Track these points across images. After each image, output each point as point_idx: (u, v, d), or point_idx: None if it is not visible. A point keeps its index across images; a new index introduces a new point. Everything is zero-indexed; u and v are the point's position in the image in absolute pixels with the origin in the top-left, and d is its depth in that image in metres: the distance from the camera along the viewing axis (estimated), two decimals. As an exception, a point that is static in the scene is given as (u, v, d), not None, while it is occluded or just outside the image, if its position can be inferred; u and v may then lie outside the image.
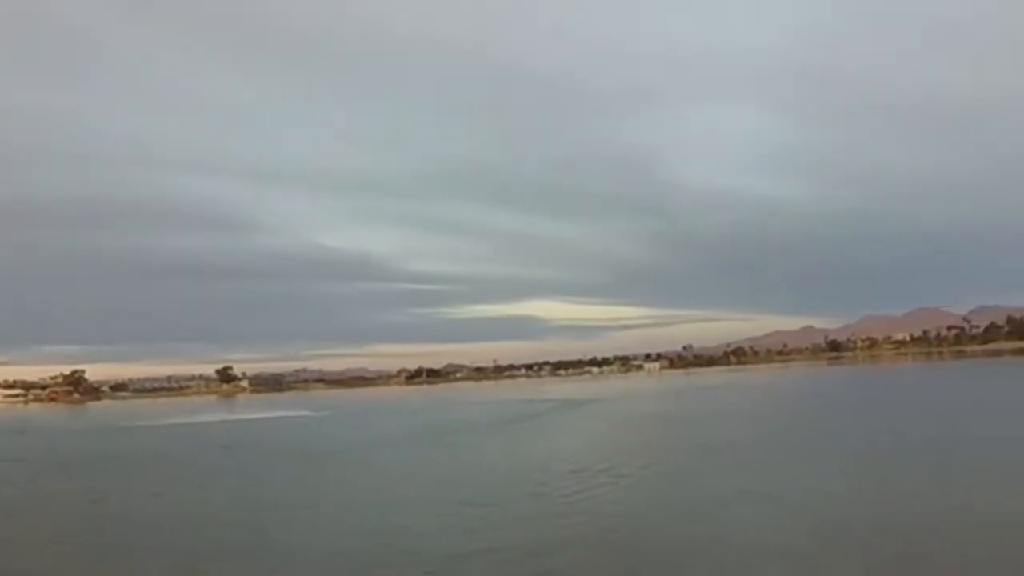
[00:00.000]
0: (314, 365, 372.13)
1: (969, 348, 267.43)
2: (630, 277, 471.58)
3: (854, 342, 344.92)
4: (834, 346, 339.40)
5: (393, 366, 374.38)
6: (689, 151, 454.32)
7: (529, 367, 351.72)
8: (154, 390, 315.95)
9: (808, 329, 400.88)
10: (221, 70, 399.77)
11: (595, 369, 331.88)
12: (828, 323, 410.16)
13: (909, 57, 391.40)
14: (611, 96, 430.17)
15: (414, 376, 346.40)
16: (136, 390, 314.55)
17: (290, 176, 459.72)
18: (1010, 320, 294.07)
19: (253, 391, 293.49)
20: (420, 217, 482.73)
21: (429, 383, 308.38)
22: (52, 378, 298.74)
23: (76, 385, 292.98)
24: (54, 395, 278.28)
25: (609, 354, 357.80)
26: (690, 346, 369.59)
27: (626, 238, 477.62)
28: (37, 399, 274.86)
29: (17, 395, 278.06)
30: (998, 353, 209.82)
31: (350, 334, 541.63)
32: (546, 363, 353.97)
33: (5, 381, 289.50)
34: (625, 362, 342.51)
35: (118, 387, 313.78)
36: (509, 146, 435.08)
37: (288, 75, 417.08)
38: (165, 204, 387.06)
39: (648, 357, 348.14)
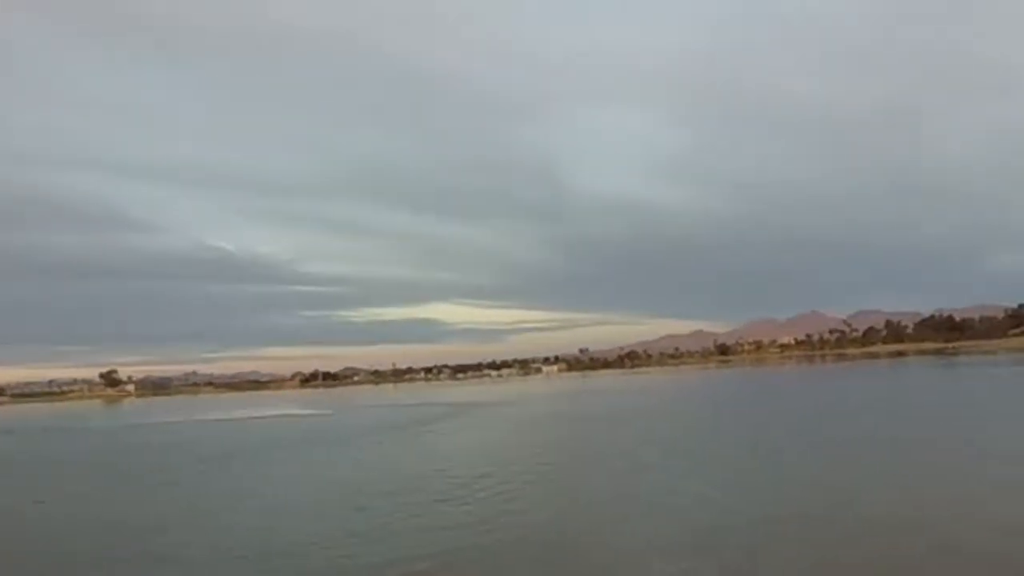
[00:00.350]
0: (204, 369, 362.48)
1: (849, 351, 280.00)
2: (529, 281, 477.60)
3: (742, 345, 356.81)
4: (723, 349, 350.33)
5: (287, 370, 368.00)
6: (587, 156, 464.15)
7: (428, 370, 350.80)
8: (34, 395, 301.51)
9: (699, 333, 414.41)
10: (116, 68, 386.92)
11: (494, 372, 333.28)
12: (718, 327, 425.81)
13: (803, 72, 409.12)
14: (510, 100, 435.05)
15: (309, 379, 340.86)
16: (15, 395, 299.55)
17: (182, 176, 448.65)
18: (888, 324, 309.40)
19: (139, 395, 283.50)
20: (316, 218, 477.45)
21: (325, 386, 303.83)
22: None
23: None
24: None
25: (508, 357, 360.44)
26: (586, 349, 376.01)
27: (526, 242, 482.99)
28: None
29: None
30: (876, 356, 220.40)
31: (242, 337, 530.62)
32: (445, 366, 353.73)
33: None
34: (524, 365, 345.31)
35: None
36: (408, 148, 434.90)
37: (186, 74, 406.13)
38: (48, 201, 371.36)
39: (546, 360, 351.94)
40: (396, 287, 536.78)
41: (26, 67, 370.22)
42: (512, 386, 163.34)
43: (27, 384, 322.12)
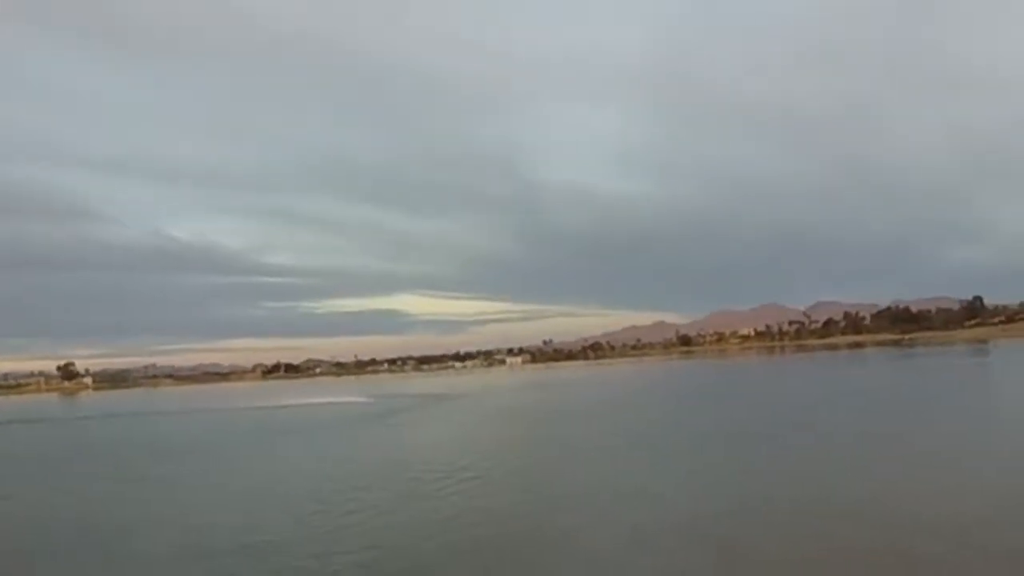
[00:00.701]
0: (164, 361, 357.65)
1: (809, 342, 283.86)
2: (493, 272, 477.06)
3: (703, 336, 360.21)
4: (685, 340, 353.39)
5: (248, 361, 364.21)
6: (551, 149, 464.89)
7: (392, 362, 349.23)
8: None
9: (661, 324, 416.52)
10: (72, 58, 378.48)
11: (458, 364, 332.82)
12: (679, 318, 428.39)
13: (765, 68, 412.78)
14: (475, 95, 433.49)
15: (271, 371, 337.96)
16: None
17: (138, 166, 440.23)
18: (846, 316, 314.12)
19: (96, 388, 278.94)
20: (276, 210, 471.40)
21: (287, 378, 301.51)
22: None
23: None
24: None
25: (472, 348, 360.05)
26: (550, 341, 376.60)
27: (490, 233, 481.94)
28: None
29: None
30: (835, 347, 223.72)
31: (201, 329, 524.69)
32: (410, 358, 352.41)
33: None
34: (488, 357, 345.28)
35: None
36: (372, 140, 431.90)
37: (145, 66, 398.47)
38: (2, 191, 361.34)
39: (511, 352, 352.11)
40: (360, 279, 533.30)
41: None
42: (478, 378, 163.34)
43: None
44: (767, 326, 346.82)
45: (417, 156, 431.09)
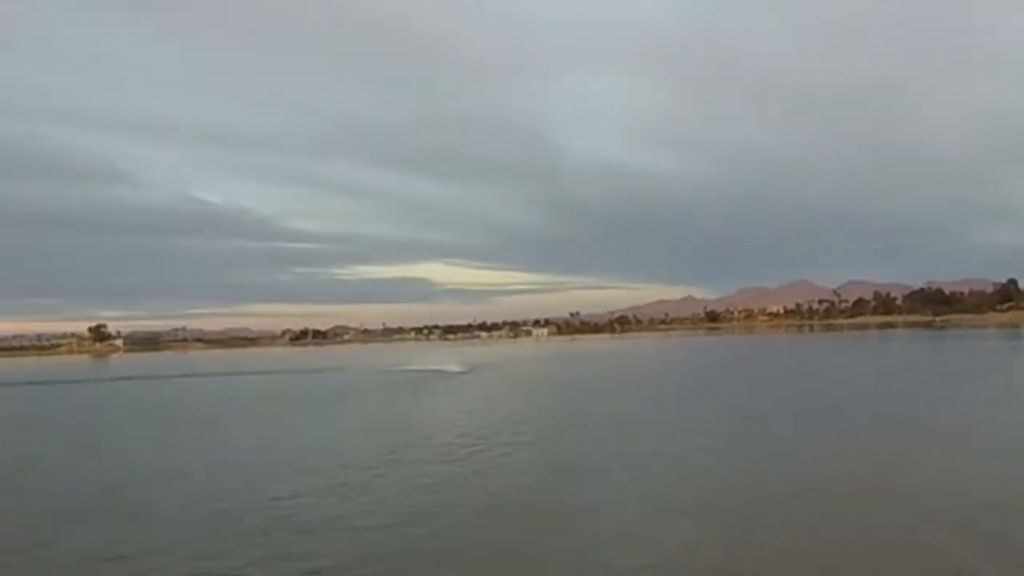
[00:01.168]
0: (192, 325, 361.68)
1: (838, 321, 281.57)
2: (519, 243, 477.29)
3: (731, 313, 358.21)
4: (712, 316, 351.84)
5: (276, 326, 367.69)
6: (577, 120, 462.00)
7: (419, 330, 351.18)
8: (22, 348, 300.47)
9: (689, 299, 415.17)
10: (95, 19, 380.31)
11: (484, 334, 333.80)
12: (708, 294, 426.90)
13: (791, 43, 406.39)
14: (501, 65, 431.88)
15: (299, 337, 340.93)
16: (3, 348, 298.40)
17: (167, 131, 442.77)
18: (877, 296, 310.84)
19: (128, 350, 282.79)
20: (305, 175, 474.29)
21: (315, 344, 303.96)
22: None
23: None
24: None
25: (498, 319, 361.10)
26: (577, 313, 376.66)
27: (515, 204, 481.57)
28: None
29: None
30: (864, 327, 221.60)
31: (229, 293, 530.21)
32: (436, 327, 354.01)
33: None
34: (514, 327, 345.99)
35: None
36: (398, 108, 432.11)
37: (167, 27, 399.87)
38: (36, 154, 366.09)
39: (537, 323, 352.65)
40: (387, 246, 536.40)
41: (9, 23, 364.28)
42: (505, 348, 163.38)
43: (15, 337, 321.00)
44: (796, 304, 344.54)
45: (444, 125, 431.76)
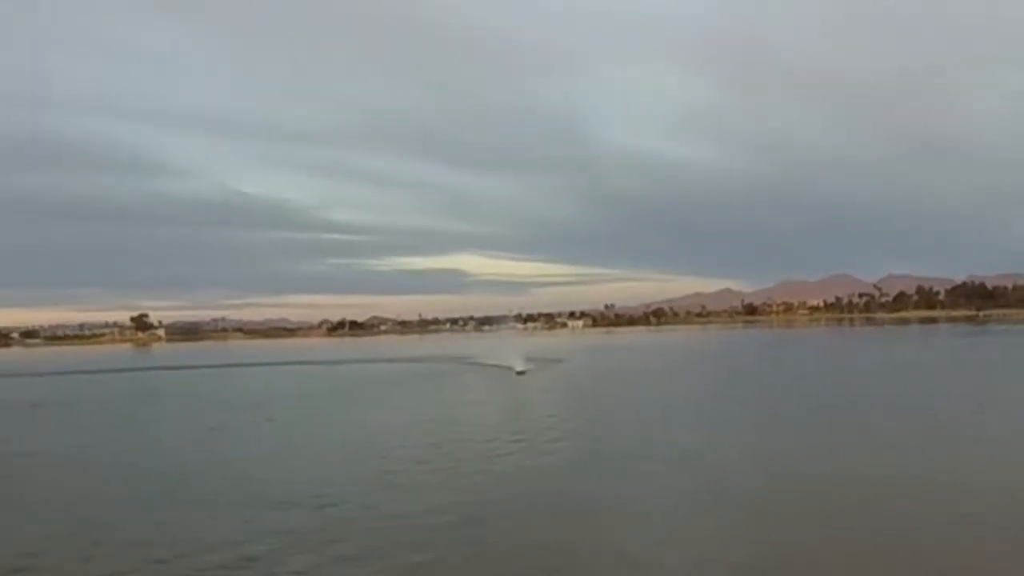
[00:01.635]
0: (231, 315, 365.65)
1: (879, 316, 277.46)
2: (554, 234, 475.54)
3: (770, 306, 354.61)
4: (750, 310, 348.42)
5: (314, 317, 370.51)
6: (611, 111, 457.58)
7: (454, 321, 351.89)
8: (67, 337, 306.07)
9: (726, 292, 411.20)
10: (135, 13, 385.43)
11: (519, 326, 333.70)
12: (746, 286, 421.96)
13: (829, 34, 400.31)
14: (535, 54, 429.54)
15: (336, 328, 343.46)
16: (48, 337, 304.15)
17: (205, 122, 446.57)
18: (919, 290, 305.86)
19: (169, 340, 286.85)
20: (341, 166, 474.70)
21: (352, 335, 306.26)
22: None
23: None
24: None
25: (533, 310, 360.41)
26: (612, 305, 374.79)
27: (551, 195, 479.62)
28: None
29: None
30: (905, 321, 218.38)
31: (268, 283, 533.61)
32: (471, 318, 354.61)
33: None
34: (549, 319, 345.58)
35: (28, 334, 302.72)
36: (433, 98, 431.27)
37: (206, 21, 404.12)
38: (78, 146, 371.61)
39: (572, 315, 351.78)
40: (423, 237, 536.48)
41: (56, 16, 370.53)
42: (544, 340, 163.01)
43: (58, 326, 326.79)
44: (836, 298, 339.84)
45: (480, 116, 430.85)
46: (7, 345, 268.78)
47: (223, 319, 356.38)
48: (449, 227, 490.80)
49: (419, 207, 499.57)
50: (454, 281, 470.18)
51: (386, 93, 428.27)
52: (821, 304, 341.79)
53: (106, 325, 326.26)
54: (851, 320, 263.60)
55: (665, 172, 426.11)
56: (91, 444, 29.50)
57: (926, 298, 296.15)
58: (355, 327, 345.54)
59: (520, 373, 55.76)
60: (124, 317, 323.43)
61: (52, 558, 14.32)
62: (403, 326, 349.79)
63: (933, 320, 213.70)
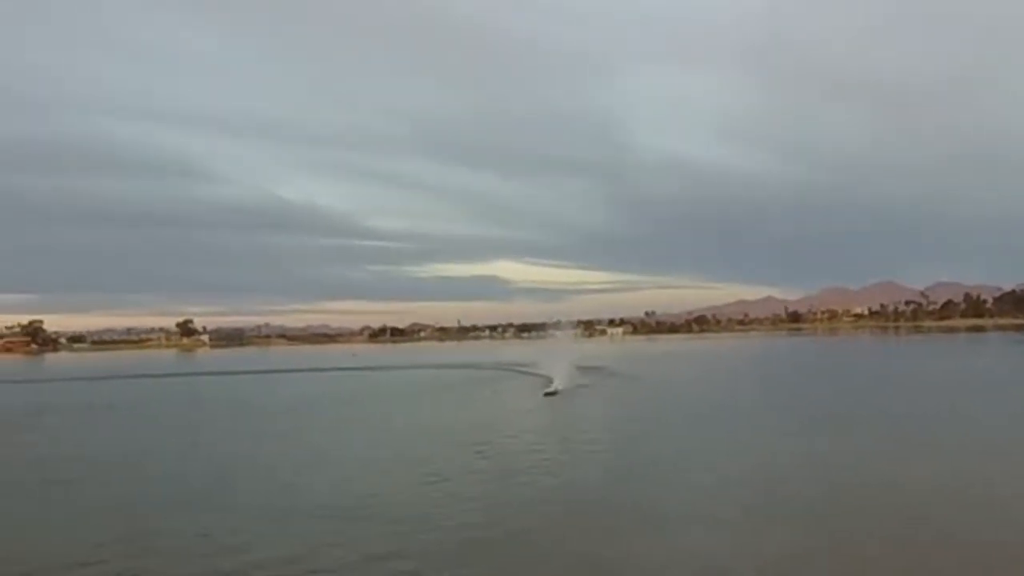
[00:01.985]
0: (274, 321, 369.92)
1: (926, 324, 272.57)
2: (594, 241, 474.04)
3: (814, 313, 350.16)
4: (794, 317, 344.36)
5: (354, 323, 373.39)
6: (650, 116, 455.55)
7: (493, 328, 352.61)
8: (113, 342, 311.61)
9: (769, 299, 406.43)
10: (175, 18, 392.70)
11: (559, 332, 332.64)
12: (788, 294, 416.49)
13: (872, 35, 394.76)
14: (572, 59, 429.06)
15: (377, 334, 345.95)
16: (95, 342, 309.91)
17: (247, 128, 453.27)
18: (967, 297, 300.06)
19: (213, 345, 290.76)
20: (379, 174, 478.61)
21: (393, 342, 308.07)
22: (8, 328, 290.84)
23: (33, 336, 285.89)
24: (10, 345, 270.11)
25: (571, 318, 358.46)
26: (653, 312, 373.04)
27: (590, 201, 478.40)
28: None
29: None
30: (953, 330, 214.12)
31: (310, 290, 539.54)
32: (510, 325, 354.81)
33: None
34: (588, 326, 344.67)
35: (76, 339, 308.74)
36: (471, 104, 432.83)
37: (245, 26, 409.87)
38: (119, 151, 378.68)
39: (612, 322, 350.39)
40: (461, 244, 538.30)
41: (96, 21, 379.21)
42: (585, 347, 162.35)
43: (106, 331, 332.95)
44: (882, 305, 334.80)
45: (518, 122, 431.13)
46: (55, 350, 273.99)
47: (266, 325, 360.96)
48: (488, 233, 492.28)
49: (458, 213, 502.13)
50: (493, 288, 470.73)
51: (425, 99, 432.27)
52: (866, 312, 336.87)
53: (152, 330, 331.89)
54: (897, 328, 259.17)
55: (705, 177, 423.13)
56: (141, 449, 29.81)
57: (974, 306, 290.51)
58: (396, 333, 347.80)
59: (550, 394, 45.15)
60: (170, 322, 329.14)
61: (105, 562, 14.39)
62: (442, 332, 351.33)
63: (981, 329, 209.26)
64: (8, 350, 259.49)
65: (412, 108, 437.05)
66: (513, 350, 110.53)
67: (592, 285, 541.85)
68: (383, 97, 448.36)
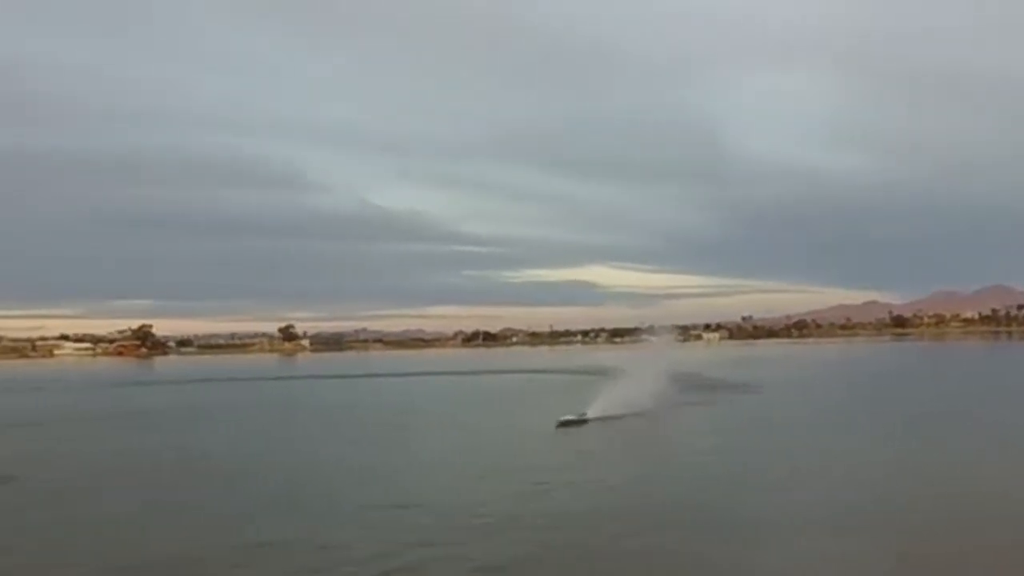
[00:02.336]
0: (371, 326, 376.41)
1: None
2: (689, 245, 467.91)
3: (920, 318, 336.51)
4: (899, 322, 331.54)
5: (448, 328, 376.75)
6: (747, 119, 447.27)
7: (585, 333, 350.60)
8: (219, 346, 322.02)
9: (873, 304, 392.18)
10: (270, 31, 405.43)
11: (653, 338, 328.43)
12: (892, 298, 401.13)
13: (986, 32, 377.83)
14: (662, 62, 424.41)
15: (470, 339, 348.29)
16: (201, 346, 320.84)
17: (341, 137, 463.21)
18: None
19: (314, 350, 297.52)
20: (473, 180, 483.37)
21: (485, 346, 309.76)
22: (120, 332, 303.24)
23: (143, 340, 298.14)
24: (122, 349, 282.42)
25: (666, 323, 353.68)
26: (749, 317, 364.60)
27: (685, 205, 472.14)
28: (105, 353, 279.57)
29: (86, 349, 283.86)
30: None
31: (406, 295, 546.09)
32: (602, 330, 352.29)
33: (75, 335, 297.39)
34: (684, 331, 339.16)
35: (183, 343, 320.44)
36: (563, 110, 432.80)
37: (338, 38, 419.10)
38: (225, 164, 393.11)
39: (707, 327, 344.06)
40: (554, 249, 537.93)
41: (210, 42, 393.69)
42: (678, 354, 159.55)
43: (212, 336, 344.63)
44: (993, 310, 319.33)
45: (612, 127, 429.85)
46: (164, 353, 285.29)
47: (363, 330, 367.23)
48: (581, 239, 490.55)
49: (551, 219, 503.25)
50: (585, 293, 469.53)
51: (519, 106, 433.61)
52: (976, 316, 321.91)
53: (255, 335, 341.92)
54: (1009, 333, 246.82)
55: (804, 180, 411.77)
56: (251, 452, 30.77)
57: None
58: (488, 338, 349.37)
59: (564, 424, 36.99)
60: (272, 327, 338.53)
61: (214, 558, 14.91)
62: (534, 337, 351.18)
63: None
64: (120, 354, 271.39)
65: (507, 116, 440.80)
66: (605, 355, 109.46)
67: (687, 289, 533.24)
68: (478, 106, 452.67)
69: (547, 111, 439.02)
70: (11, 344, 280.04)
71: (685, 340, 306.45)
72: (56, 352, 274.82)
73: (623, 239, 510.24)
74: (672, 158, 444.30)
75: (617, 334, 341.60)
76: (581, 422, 37.02)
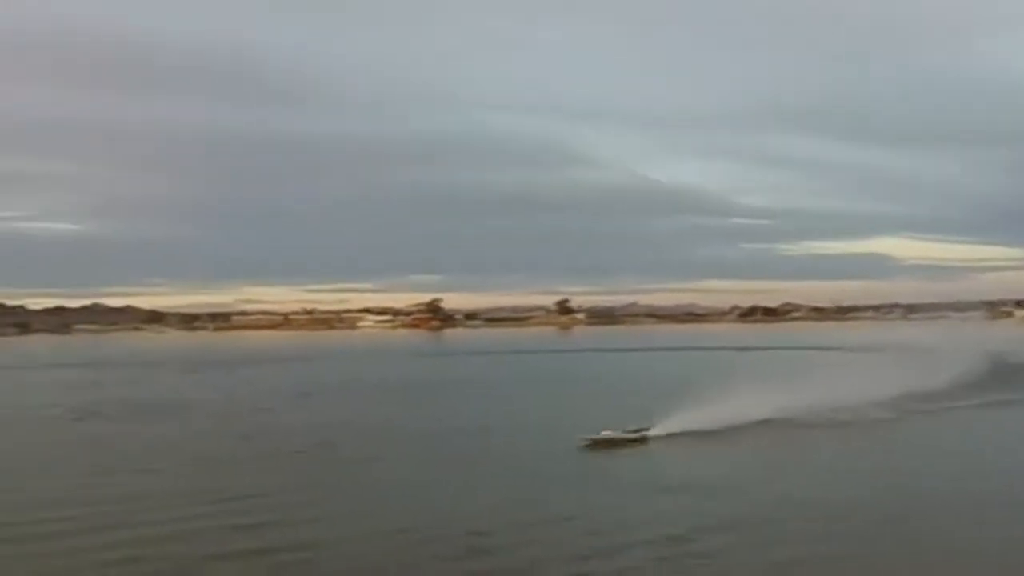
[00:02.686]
0: (644, 299, 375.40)
1: None
2: (996, 213, 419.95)
3: None
4: None
5: (723, 303, 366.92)
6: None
7: (876, 308, 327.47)
8: (501, 320, 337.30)
9: None
10: (540, 11, 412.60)
11: (955, 314, 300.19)
12: None
13: None
14: (965, 20, 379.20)
15: (747, 314, 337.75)
16: (486, 319, 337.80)
17: (615, 113, 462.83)
18: None
19: (588, 324, 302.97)
20: (749, 151, 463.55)
21: (763, 322, 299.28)
22: (415, 305, 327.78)
23: (435, 313, 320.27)
24: (417, 321, 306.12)
25: (970, 298, 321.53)
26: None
27: (992, 170, 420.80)
28: (403, 324, 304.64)
29: (386, 321, 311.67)
30: None
31: (679, 269, 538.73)
32: (896, 305, 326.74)
33: (376, 308, 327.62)
34: (992, 308, 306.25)
35: (470, 315, 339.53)
36: (850, 73, 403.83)
37: (598, 13, 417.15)
38: (507, 143, 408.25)
39: (1019, 303, 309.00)
40: (838, 221, 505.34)
41: (474, 18, 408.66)
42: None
43: (494, 309, 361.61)
44: None
45: (905, 89, 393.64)
46: (453, 326, 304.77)
47: (635, 304, 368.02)
48: (869, 209, 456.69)
49: (834, 189, 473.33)
50: (875, 266, 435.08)
51: (792, 75, 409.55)
52: None
53: (533, 308, 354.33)
54: None
55: None
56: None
57: None
58: (767, 313, 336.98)
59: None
60: (549, 301, 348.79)
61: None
62: (818, 312, 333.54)
63: None
64: (416, 326, 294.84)
65: (784, 83, 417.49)
66: (908, 332, 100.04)
67: (995, 262, 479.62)
68: (748, 74, 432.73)
69: (833, 75, 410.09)
70: (322, 316, 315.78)
71: (994, 318, 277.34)
72: (359, 324, 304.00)
73: (917, 208, 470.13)
74: (976, 120, 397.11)
75: (912, 310, 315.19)
76: None
